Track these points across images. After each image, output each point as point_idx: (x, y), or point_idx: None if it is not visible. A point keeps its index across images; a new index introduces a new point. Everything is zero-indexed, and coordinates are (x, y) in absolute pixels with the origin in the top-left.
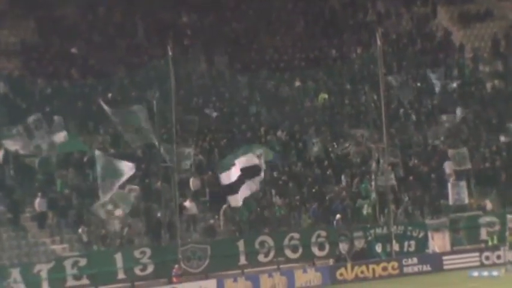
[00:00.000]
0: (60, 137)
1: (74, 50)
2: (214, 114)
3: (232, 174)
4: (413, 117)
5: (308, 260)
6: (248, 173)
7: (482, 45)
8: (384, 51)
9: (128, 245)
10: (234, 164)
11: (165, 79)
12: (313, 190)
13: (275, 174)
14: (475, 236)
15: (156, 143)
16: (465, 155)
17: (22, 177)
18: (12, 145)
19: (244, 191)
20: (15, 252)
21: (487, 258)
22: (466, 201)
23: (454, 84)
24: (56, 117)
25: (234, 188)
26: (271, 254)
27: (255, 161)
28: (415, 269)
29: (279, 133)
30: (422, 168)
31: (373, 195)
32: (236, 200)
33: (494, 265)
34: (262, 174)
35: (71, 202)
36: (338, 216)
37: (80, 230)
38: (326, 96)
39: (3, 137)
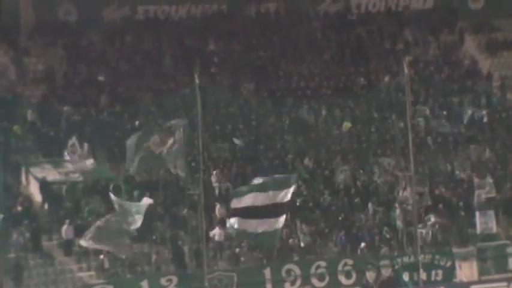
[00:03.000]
0: (88, 164)
1: (101, 78)
2: (240, 143)
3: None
4: (441, 145)
5: None
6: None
7: (510, 73)
8: (411, 79)
9: (154, 273)
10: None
11: (192, 107)
12: (340, 218)
13: (300, 201)
14: (503, 266)
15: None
16: (491, 184)
17: (49, 204)
18: (40, 172)
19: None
20: (42, 280)
21: None
22: (494, 230)
23: (483, 113)
24: (84, 144)
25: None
26: (298, 282)
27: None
28: None
29: (305, 161)
30: (450, 196)
31: (399, 223)
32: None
33: None
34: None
35: None
36: (363, 244)
37: (101, 256)
38: (350, 124)
39: (30, 164)
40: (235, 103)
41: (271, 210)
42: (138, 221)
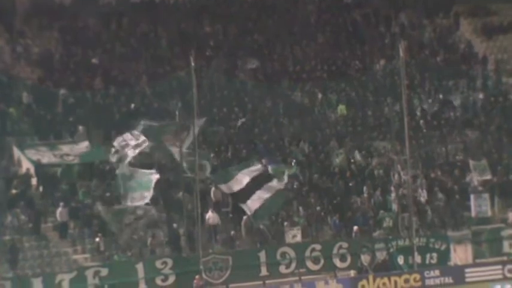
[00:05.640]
0: (83, 146)
1: (96, 61)
2: (240, 122)
3: (241, 181)
4: (436, 128)
5: (329, 271)
6: (258, 181)
7: (505, 57)
8: (407, 62)
9: (149, 255)
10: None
11: (188, 90)
12: (335, 201)
13: (296, 185)
14: (498, 249)
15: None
16: (485, 166)
17: (44, 187)
18: (35, 155)
19: (255, 201)
20: (37, 262)
21: (510, 271)
22: (489, 213)
23: (480, 96)
24: (79, 127)
25: (243, 196)
26: (293, 265)
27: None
28: (437, 281)
29: (301, 144)
30: (445, 180)
31: (394, 207)
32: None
33: None
34: (275, 181)
35: (93, 212)
36: (355, 228)
37: (97, 239)
38: (344, 108)
39: (26, 147)
40: (231, 86)
41: (260, 180)
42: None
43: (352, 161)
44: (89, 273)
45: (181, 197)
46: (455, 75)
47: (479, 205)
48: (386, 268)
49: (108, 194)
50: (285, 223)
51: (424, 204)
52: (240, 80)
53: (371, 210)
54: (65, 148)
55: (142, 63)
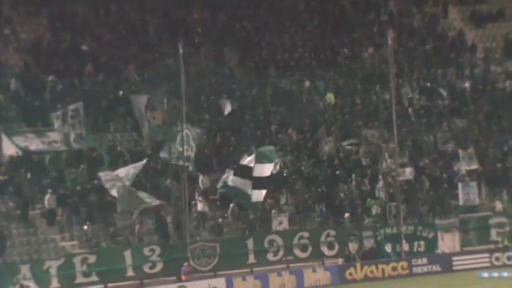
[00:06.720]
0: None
1: (85, 47)
2: (229, 107)
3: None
4: (424, 117)
5: (317, 259)
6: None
7: (494, 45)
8: (395, 50)
9: (137, 243)
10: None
11: (176, 77)
12: (322, 189)
13: (285, 172)
14: (485, 237)
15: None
16: (473, 155)
17: (32, 174)
18: (22, 142)
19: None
20: (25, 249)
21: (497, 259)
22: (476, 201)
23: (466, 84)
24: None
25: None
26: (280, 253)
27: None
28: (425, 269)
29: (289, 132)
30: (433, 168)
31: (382, 195)
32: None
33: (504, 266)
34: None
35: (81, 199)
36: (346, 215)
37: (85, 227)
38: (332, 97)
39: (14, 133)
40: (219, 73)
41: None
42: None
43: (340, 148)
44: (77, 260)
45: (169, 185)
46: (444, 63)
47: (467, 193)
48: (374, 256)
49: (96, 181)
50: (273, 210)
51: (411, 187)
52: (228, 67)
53: (358, 198)
54: (53, 135)
55: (131, 50)
